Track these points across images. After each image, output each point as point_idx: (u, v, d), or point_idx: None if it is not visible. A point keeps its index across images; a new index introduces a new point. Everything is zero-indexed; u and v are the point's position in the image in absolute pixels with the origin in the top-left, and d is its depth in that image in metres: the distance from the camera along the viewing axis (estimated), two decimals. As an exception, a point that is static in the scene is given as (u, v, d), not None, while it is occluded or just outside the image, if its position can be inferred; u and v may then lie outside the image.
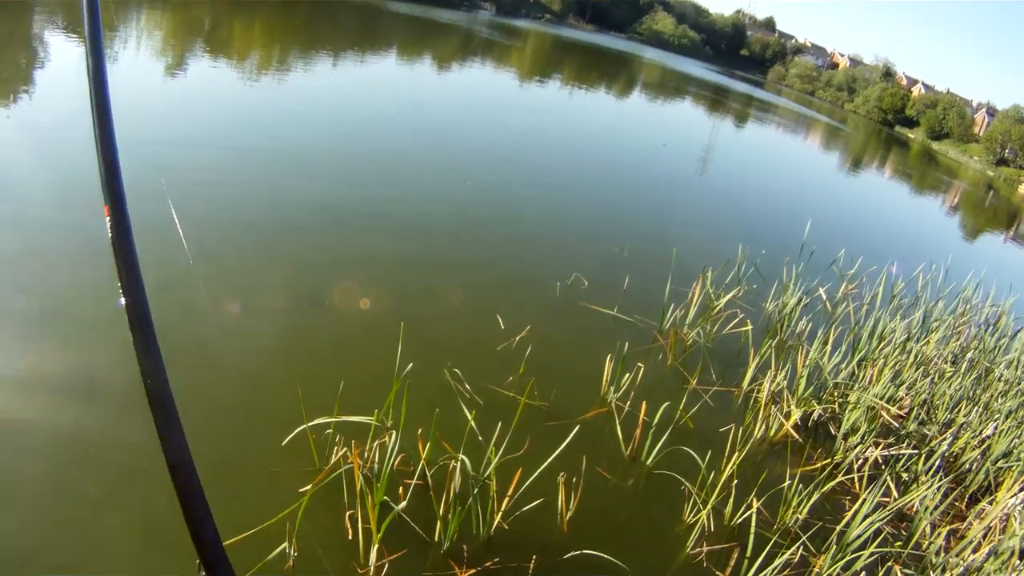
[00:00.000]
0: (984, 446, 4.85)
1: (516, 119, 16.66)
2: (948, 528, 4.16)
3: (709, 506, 3.79)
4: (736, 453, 4.28)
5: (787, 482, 4.33)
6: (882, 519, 3.77)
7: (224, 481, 3.39)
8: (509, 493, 3.37)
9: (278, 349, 4.63)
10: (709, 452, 4.40)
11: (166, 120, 8.72)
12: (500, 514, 3.40)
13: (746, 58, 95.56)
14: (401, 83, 17.21)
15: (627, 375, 4.97)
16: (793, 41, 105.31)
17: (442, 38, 31.90)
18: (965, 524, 4.26)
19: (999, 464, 4.65)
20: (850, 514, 3.85)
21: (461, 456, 3.36)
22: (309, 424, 3.57)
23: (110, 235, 1.71)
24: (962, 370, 5.75)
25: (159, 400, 1.73)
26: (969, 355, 6.16)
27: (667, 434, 4.35)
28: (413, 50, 24.78)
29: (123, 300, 1.71)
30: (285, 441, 3.62)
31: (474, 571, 3.25)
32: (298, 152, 8.90)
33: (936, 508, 4.07)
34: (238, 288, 5.15)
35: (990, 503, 4.31)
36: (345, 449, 3.59)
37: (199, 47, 14.66)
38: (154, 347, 1.74)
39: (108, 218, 1.71)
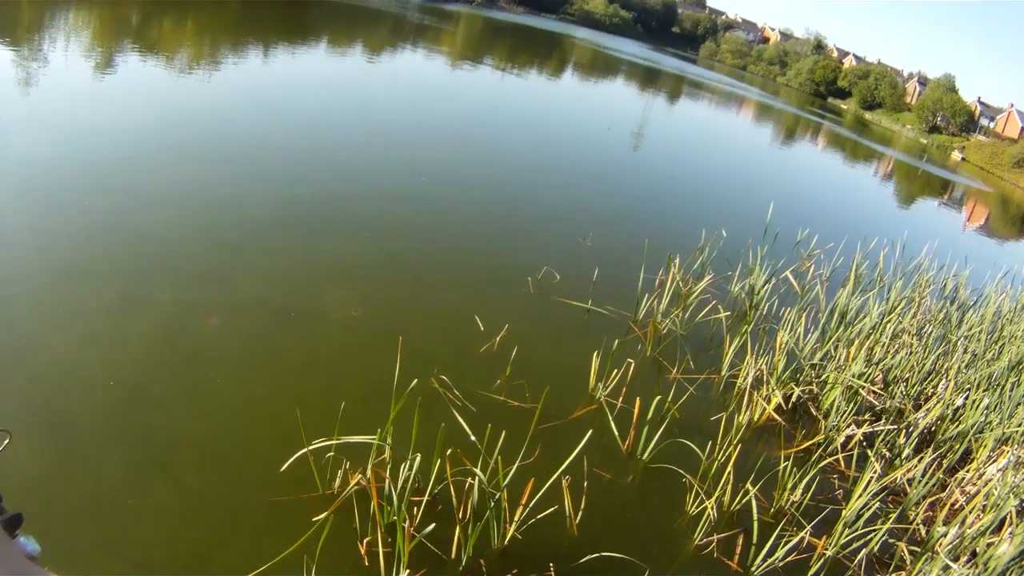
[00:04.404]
0: (958, 417, 5.10)
1: (450, 105, 16.47)
2: (934, 499, 4.37)
3: (713, 498, 3.88)
4: (727, 440, 4.39)
5: (776, 464, 4.47)
6: (874, 497, 3.92)
7: (229, 514, 3.32)
8: (522, 502, 3.38)
9: (257, 369, 4.48)
10: (699, 441, 4.50)
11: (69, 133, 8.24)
12: (513, 525, 3.41)
13: (678, 35, 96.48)
14: (335, 74, 16.73)
15: (614, 371, 5.01)
16: (724, 17, 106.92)
17: (375, 27, 31.23)
18: (946, 492, 4.48)
19: (971, 434, 4.89)
20: (848, 496, 4.00)
21: (478, 473, 3.35)
22: (309, 448, 3.50)
23: None
24: (929, 343, 6.02)
25: None
26: (933, 329, 6.45)
27: (658, 427, 4.42)
28: (346, 39, 24.20)
29: None
30: (284, 466, 3.54)
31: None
32: (238, 151, 8.50)
33: (919, 480, 4.26)
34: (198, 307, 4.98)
35: (968, 472, 4.54)
36: (352, 472, 3.53)
37: (128, 45, 13.94)
38: None
39: None
